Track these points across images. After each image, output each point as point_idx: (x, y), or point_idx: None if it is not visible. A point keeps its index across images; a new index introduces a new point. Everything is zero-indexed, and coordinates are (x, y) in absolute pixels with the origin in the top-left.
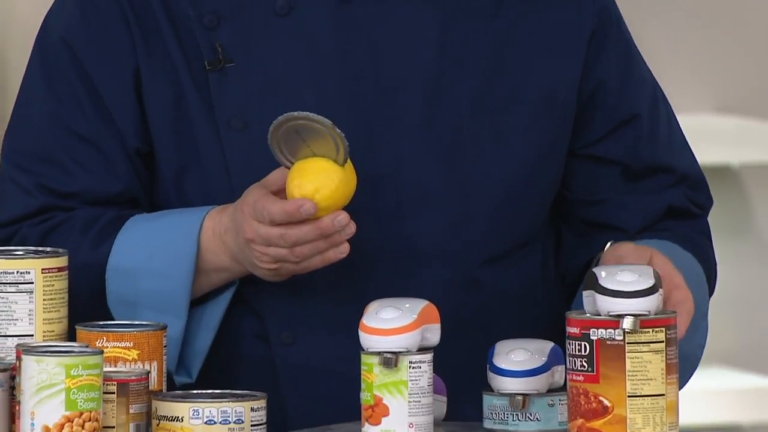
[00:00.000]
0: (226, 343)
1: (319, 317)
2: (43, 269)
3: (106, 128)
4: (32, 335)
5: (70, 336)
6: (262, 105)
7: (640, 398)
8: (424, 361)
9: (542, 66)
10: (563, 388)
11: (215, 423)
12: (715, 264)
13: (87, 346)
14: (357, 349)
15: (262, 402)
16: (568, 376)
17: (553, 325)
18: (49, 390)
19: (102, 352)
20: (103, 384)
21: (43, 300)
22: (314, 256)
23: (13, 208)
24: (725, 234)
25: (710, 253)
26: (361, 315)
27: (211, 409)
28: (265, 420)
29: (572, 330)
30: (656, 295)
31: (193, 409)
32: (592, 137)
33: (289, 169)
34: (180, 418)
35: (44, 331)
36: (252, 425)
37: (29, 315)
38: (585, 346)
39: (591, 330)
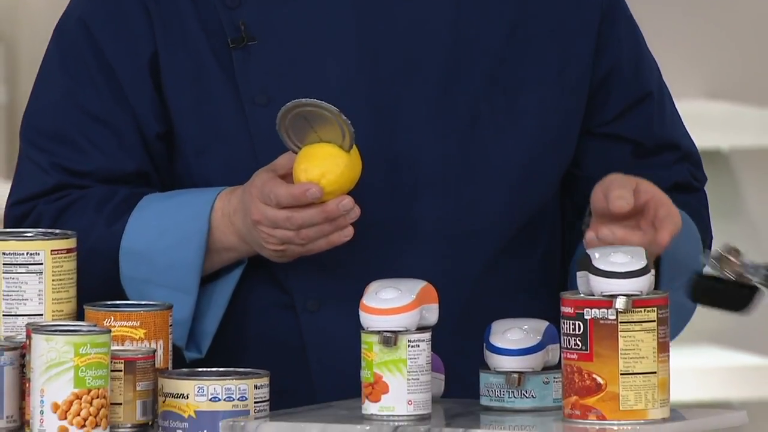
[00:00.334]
0: (253, 314)
1: (343, 285)
2: (52, 250)
3: (119, 108)
4: (42, 315)
5: (79, 315)
6: (285, 81)
7: (633, 376)
8: (423, 340)
9: (555, 47)
10: (558, 366)
11: (219, 400)
12: (711, 232)
13: (95, 326)
14: None
15: (265, 380)
16: (562, 354)
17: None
18: (58, 368)
19: (110, 331)
20: (111, 362)
21: (53, 280)
22: (319, 238)
23: (31, 186)
24: (715, 216)
25: (707, 220)
26: None
27: (216, 386)
28: (267, 397)
29: (566, 309)
30: (648, 275)
31: (198, 387)
32: (607, 116)
33: (296, 154)
34: (185, 395)
35: (53, 311)
36: (255, 402)
37: (39, 295)
38: (579, 325)
39: (585, 310)
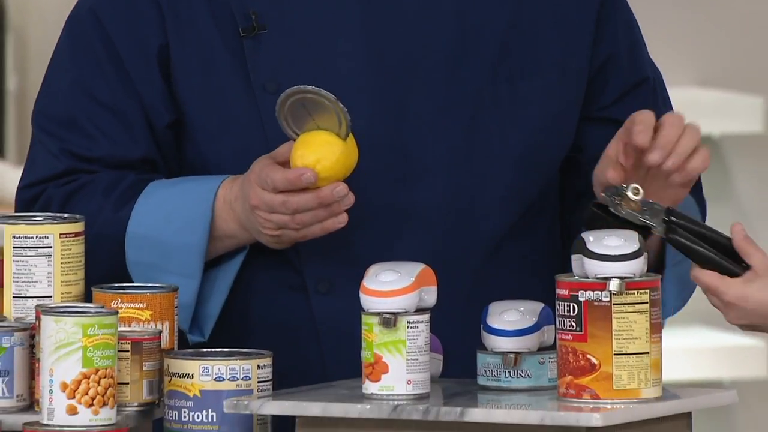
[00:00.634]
0: (260, 297)
1: (353, 268)
2: (61, 234)
3: (127, 97)
4: (51, 296)
5: (87, 297)
6: (295, 69)
7: (626, 356)
8: (422, 321)
9: (555, 35)
10: (553, 347)
11: (224, 380)
12: (704, 203)
13: (102, 307)
14: None
15: (268, 360)
16: (557, 335)
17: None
18: (66, 348)
19: (117, 313)
20: (118, 343)
21: (61, 263)
22: (314, 224)
23: (41, 170)
24: (707, 201)
25: (700, 191)
26: None
27: (220, 366)
28: (271, 377)
29: (561, 292)
30: (641, 258)
31: (203, 367)
32: (605, 102)
33: (294, 140)
34: (190, 375)
35: (62, 293)
36: (258, 381)
37: (48, 277)
38: (573, 307)
39: (579, 292)
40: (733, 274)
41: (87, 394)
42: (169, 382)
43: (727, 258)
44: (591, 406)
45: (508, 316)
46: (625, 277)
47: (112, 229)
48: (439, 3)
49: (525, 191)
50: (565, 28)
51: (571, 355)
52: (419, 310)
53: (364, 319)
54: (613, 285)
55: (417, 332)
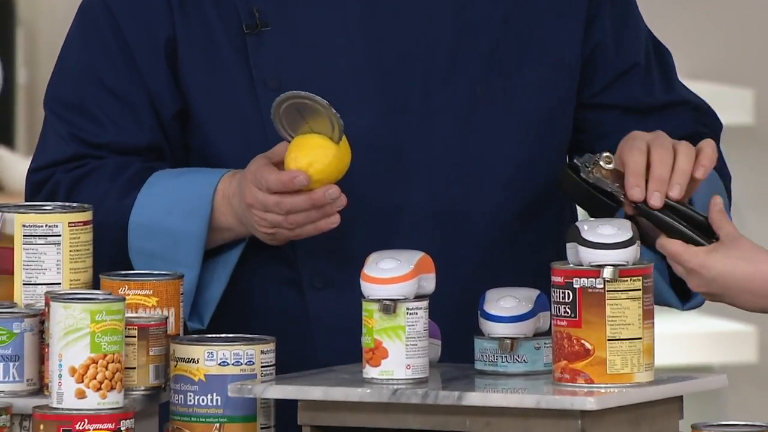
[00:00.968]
0: (258, 290)
1: (348, 265)
2: (69, 223)
3: (135, 85)
4: (60, 284)
5: (95, 284)
6: (296, 66)
7: (619, 341)
8: (420, 308)
9: (548, 29)
10: (548, 333)
11: (228, 364)
12: (728, 172)
13: (110, 294)
14: None
15: (271, 345)
16: (552, 321)
17: None
18: (75, 334)
19: (124, 299)
20: (125, 328)
21: (70, 251)
22: (307, 224)
23: (51, 153)
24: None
25: (721, 162)
26: None
27: (225, 351)
28: (274, 362)
29: (557, 279)
30: (634, 246)
31: (208, 352)
32: (595, 89)
33: (289, 142)
34: (196, 359)
35: (71, 280)
36: (262, 366)
37: (57, 265)
38: (568, 293)
39: (574, 279)
40: (699, 245)
41: (95, 378)
42: (175, 366)
43: (697, 231)
44: (585, 390)
45: (505, 303)
46: (619, 265)
47: (116, 217)
48: (436, 2)
49: (524, 187)
50: (556, 20)
51: (566, 341)
52: (418, 297)
53: (365, 305)
54: (607, 272)
55: (416, 318)
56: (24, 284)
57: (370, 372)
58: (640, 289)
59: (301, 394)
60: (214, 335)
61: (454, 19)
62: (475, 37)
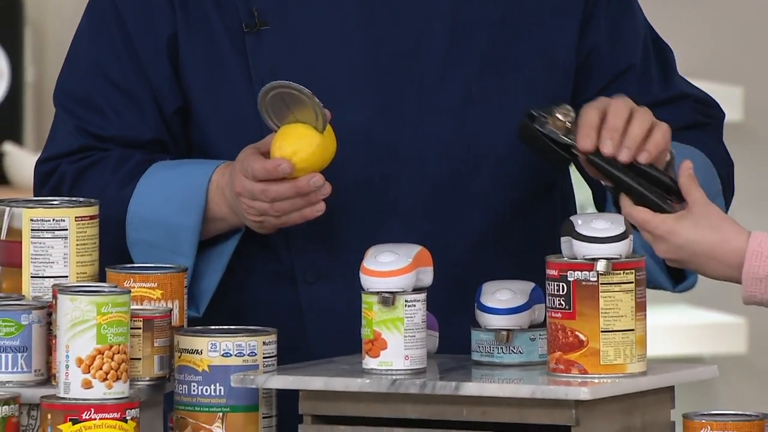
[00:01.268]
0: (252, 283)
1: (339, 259)
2: (76, 217)
3: (139, 81)
4: (67, 276)
5: (101, 277)
6: (293, 65)
7: (612, 333)
8: (419, 300)
9: (544, 29)
10: (543, 324)
11: (231, 355)
12: (729, 159)
13: (116, 287)
14: None
15: (273, 337)
16: (547, 313)
17: None
18: (82, 325)
19: (129, 292)
20: (130, 320)
21: (77, 245)
22: (293, 212)
23: (58, 145)
24: None
25: (721, 148)
26: None
27: (227, 342)
28: (275, 353)
29: (551, 272)
30: (627, 240)
31: (211, 343)
32: (590, 92)
33: (275, 132)
34: (199, 351)
35: (77, 273)
36: (264, 357)
37: (64, 258)
38: (563, 286)
39: (568, 272)
40: (655, 206)
41: (101, 369)
42: (179, 357)
43: (658, 191)
44: (579, 380)
45: (501, 295)
46: (612, 258)
47: (115, 207)
48: (433, 2)
49: (517, 186)
50: (554, 18)
51: (561, 332)
52: (416, 290)
53: (364, 297)
54: (601, 265)
55: (414, 310)
56: (32, 277)
57: (369, 363)
58: (632, 282)
59: (303, 385)
60: (217, 327)
61: (451, 19)
62: (472, 37)
